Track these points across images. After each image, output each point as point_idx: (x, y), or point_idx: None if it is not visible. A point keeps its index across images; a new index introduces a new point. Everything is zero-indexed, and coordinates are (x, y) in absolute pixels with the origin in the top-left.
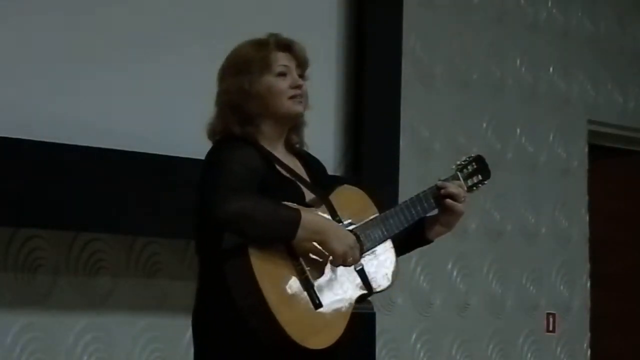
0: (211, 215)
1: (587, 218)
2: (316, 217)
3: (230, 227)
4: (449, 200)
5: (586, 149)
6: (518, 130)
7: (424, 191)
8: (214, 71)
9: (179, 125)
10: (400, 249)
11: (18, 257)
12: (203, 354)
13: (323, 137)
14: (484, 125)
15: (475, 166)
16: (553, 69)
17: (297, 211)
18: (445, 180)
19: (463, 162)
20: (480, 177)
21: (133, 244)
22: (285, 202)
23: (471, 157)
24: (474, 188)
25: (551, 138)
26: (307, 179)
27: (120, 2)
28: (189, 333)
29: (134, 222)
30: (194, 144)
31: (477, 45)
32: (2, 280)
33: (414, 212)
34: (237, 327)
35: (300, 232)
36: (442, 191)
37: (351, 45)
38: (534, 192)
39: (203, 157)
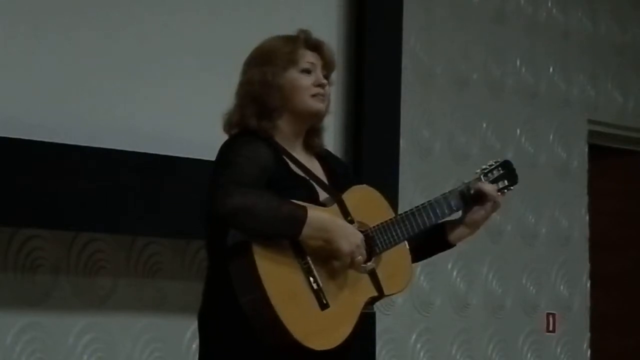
0: (214, 210)
1: (587, 218)
2: (322, 215)
3: (232, 222)
4: (485, 189)
5: (586, 149)
6: (518, 130)
7: (446, 193)
8: (215, 71)
9: (179, 125)
10: (420, 254)
11: (18, 257)
12: (207, 352)
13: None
14: (484, 125)
15: (501, 171)
16: (553, 69)
17: (304, 208)
18: (469, 183)
19: (488, 167)
20: (506, 182)
21: (133, 244)
22: (293, 200)
23: (497, 161)
24: (499, 193)
25: (551, 138)
26: (323, 179)
27: (120, 2)
28: (189, 333)
29: (134, 222)
30: (194, 144)
31: (477, 45)
32: (2, 280)
33: (432, 215)
34: (242, 326)
35: (305, 230)
36: (473, 191)
37: (351, 45)
38: (534, 192)
39: (204, 157)
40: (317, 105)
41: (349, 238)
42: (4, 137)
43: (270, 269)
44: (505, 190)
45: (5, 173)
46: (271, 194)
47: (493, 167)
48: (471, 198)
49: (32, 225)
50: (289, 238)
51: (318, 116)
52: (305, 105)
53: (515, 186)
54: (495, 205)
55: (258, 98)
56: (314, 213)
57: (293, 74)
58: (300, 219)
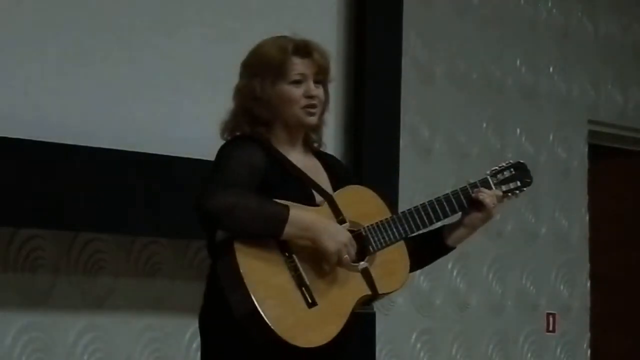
0: (199, 210)
1: (587, 218)
2: (305, 214)
3: (215, 221)
4: (482, 198)
5: (586, 149)
6: (518, 130)
7: (447, 194)
8: (215, 71)
9: (179, 125)
10: (421, 261)
11: (18, 257)
12: (208, 351)
13: (323, 137)
14: (484, 125)
15: (513, 172)
16: (553, 69)
17: (286, 207)
18: (474, 183)
19: (499, 168)
20: (518, 183)
21: (133, 244)
22: (277, 200)
23: (510, 162)
24: (509, 194)
25: (551, 138)
26: (319, 179)
27: (120, 4)
28: (189, 333)
29: (134, 222)
30: (194, 144)
31: (477, 45)
32: (2, 280)
33: (432, 215)
34: (239, 326)
35: (288, 229)
36: (474, 195)
37: (351, 45)
38: (534, 192)
39: (203, 157)
40: (307, 118)
41: (335, 237)
42: (4, 137)
43: (252, 267)
44: (517, 192)
45: (5, 173)
46: (254, 194)
47: (504, 167)
48: (469, 203)
49: (32, 225)
50: (271, 237)
51: (309, 128)
52: (295, 118)
53: (529, 187)
54: (490, 214)
55: (248, 110)
56: (297, 212)
57: (282, 87)
58: (281, 218)
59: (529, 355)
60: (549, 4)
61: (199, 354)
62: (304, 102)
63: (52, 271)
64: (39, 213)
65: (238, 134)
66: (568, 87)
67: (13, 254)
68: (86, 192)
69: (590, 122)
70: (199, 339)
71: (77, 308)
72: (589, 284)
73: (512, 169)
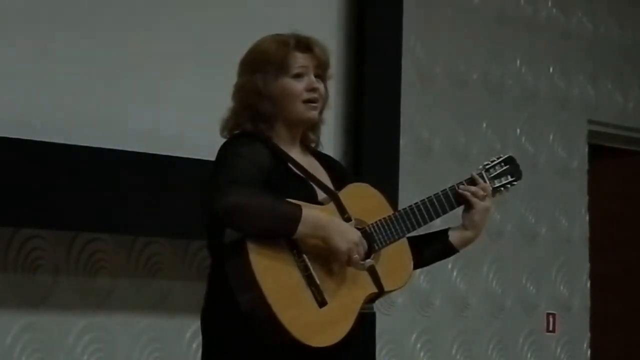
0: (210, 209)
1: (587, 218)
2: (318, 213)
3: (227, 220)
4: (467, 195)
5: (586, 149)
6: (518, 130)
7: (444, 190)
8: (215, 71)
9: (179, 125)
10: (426, 260)
11: (18, 257)
12: (209, 351)
13: (323, 138)
14: (484, 125)
15: (504, 166)
16: (553, 69)
17: (298, 206)
18: (469, 179)
19: (490, 162)
20: (509, 177)
21: (133, 244)
22: (288, 199)
23: (500, 157)
24: (502, 189)
25: (551, 138)
26: (320, 178)
27: (121, 3)
28: (189, 333)
29: (134, 222)
30: (194, 144)
31: (477, 45)
32: (2, 280)
33: (432, 211)
34: (243, 325)
35: (301, 228)
36: (459, 189)
37: (351, 46)
38: (534, 192)
39: (204, 157)
40: (308, 113)
41: (346, 236)
42: (4, 137)
43: (265, 267)
44: (509, 186)
45: (5, 173)
46: (267, 193)
47: (495, 162)
48: (461, 202)
49: (32, 225)
50: (284, 236)
51: (311, 123)
52: (297, 113)
53: (520, 181)
54: (472, 207)
55: (251, 106)
56: (309, 211)
57: (284, 81)
58: (295, 217)
59: (529, 355)
60: (549, 4)
61: (199, 354)
62: (305, 95)
63: (52, 271)
64: (39, 213)
65: (237, 132)
66: (568, 87)
67: (13, 254)
68: (86, 192)
69: (590, 122)
70: (199, 339)
71: (77, 308)
72: (589, 284)
73: (503, 164)
